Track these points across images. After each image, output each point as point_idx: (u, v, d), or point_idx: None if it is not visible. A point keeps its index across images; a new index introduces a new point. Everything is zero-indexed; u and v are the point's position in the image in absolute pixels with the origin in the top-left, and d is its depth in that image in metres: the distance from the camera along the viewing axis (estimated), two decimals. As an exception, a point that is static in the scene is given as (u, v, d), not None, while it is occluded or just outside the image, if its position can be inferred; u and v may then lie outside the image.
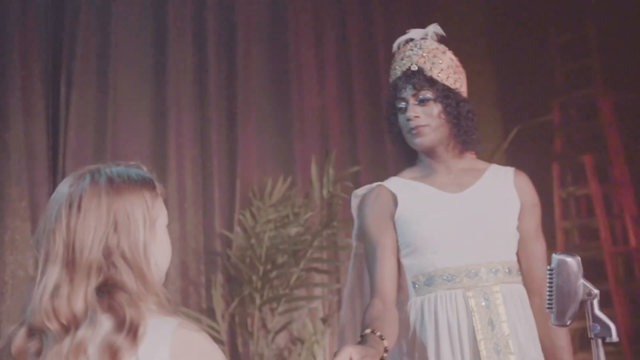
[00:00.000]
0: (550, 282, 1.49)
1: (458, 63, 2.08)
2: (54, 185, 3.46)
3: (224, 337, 3.65)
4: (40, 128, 3.43)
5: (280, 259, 3.79)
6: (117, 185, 1.32)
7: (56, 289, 1.27)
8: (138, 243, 1.30)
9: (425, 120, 2.00)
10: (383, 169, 4.63)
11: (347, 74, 4.64)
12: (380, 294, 2.00)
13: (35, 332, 1.28)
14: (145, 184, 1.36)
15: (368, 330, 1.86)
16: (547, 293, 1.50)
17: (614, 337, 1.46)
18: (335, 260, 4.10)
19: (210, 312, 3.69)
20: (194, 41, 3.99)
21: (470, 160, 2.10)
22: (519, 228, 2.05)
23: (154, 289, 1.31)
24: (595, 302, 1.48)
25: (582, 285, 1.48)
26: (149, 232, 1.32)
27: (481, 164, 2.12)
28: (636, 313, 5.01)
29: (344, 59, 4.64)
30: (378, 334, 1.85)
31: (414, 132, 2.00)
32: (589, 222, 5.30)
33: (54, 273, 1.28)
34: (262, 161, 4.12)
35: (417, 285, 2.02)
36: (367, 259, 2.08)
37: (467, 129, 2.03)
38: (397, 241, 2.04)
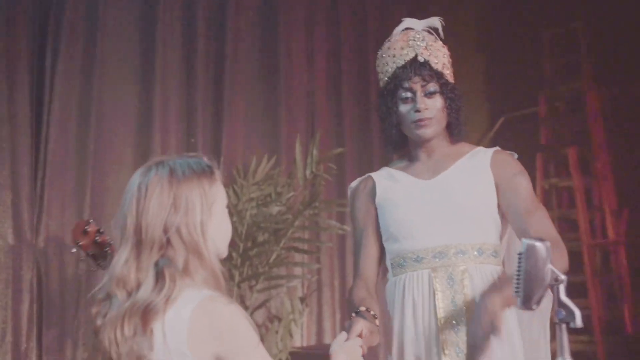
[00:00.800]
0: (518, 267, 1.51)
1: (450, 58, 2.14)
2: (36, 154, 3.45)
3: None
4: (24, 96, 3.41)
5: (260, 237, 3.81)
6: (177, 174, 1.55)
7: (126, 262, 1.52)
8: (196, 223, 1.53)
9: (431, 112, 2.05)
10: (367, 151, 4.66)
11: (336, 56, 4.65)
12: (363, 277, 2.12)
13: (109, 297, 1.54)
14: (204, 172, 1.57)
15: (363, 308, 1.96)
16: (515, 277, 1.52)
17: (578, 323, 1.48)
18: (316, 241, 4.13)
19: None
20: (183, 18, 3.97)
21: (457, 146, 2.15)
22: (503, 205, 2.06)
23: (209, 264, 1.53)
24: (562, 288, 1.50)
25: (550, 270, 1.50)
26: (206, 214, 1.54)
27: (467, 147, 2.15)
28: (611, 304, 5.08)
29: (333, 42, 4.64)
30: (372, 312, 1.96)
31: (420, 123, 2.05)
32: (569, 213, 5.35)
33: (126, 250, 1.53)
34: (247, 139, 4.13)
35: (393, 267, 2.11)
36: (354, 243, 2.21)
37: (460, 123, 2.10)
38: (379, 228, 2.14)
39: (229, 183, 3.92)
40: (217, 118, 4.02)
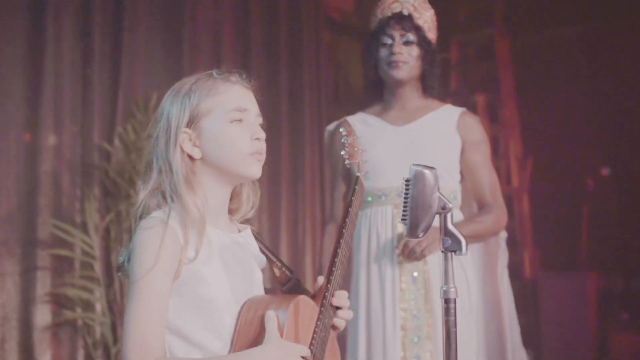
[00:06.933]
0: (405, 193, 1.45)
1: (436, 23, 2.47)
2: None
3: (97, 252, 3.52)
4: None
5: (160, 175, 3.65)
6: (173, 90, 1.56)
7: None
8: (170, 141, 1.51)
9: (405, 57, 2.37)
10: (275, 88, 4.54)
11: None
12: (335, 218, 2.50)
13: None
14: (201, 84, 1.54)
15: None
16: (403, 204, 1.46)
17: (464, 251, 1.44)
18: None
19: (84, 226, 3.53)
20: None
21: (428, 100, 2.47)
22: (464, 161, 2.45)
23: (173, 181, 1.50)
24: (449, 216, 1.46)
25: (438, 198, 1.45)
26: (188, 128, 1.51)
27: (437, 103, 2.48)
28: (512, 249, 5.19)
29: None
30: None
31: (393, 64, 2.37)
32: (476, 160, 5.41)
33: None
34: (148, 73, 3.92)
35: (364, 202, 2.37)
36: (331, 184, 2.59)
37: (433, 77, 2.43)
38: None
39: (128, 118, 3.73)
40: (116, 48, 3.78)
